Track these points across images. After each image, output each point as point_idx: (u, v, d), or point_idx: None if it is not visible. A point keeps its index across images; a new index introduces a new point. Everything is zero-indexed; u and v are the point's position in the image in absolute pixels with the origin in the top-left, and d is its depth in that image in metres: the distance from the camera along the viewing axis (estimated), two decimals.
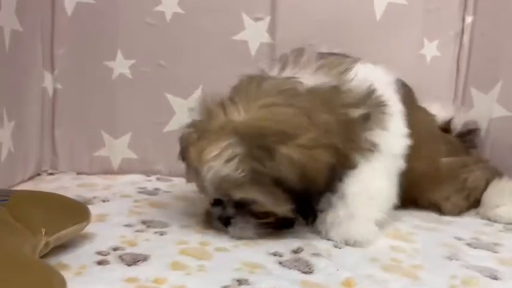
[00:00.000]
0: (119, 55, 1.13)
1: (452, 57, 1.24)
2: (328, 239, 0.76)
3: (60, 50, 1.10)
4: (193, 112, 0.77)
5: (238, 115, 0.70)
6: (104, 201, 0.90)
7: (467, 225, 0.91)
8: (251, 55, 1.17)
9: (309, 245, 0.73)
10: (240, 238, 0.74)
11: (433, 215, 0.95)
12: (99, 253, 0.65)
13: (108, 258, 0.64)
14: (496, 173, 1.05)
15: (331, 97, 0.75)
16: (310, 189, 0.70)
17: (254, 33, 1.18)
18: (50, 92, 1.11)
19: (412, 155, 0.83)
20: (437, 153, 0.99)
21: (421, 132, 0.90)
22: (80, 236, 0.69)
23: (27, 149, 1.04)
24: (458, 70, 1.25)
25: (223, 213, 0.75)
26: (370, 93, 0.79)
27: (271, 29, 1.17)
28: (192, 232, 0.76)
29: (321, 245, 0.74)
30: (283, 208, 0.72)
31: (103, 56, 1.12)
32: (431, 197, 0.97)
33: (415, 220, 0.91)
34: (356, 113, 0.76)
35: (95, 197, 0.92)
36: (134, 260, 0.63)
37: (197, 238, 0.74)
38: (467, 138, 1.13)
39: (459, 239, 0.81)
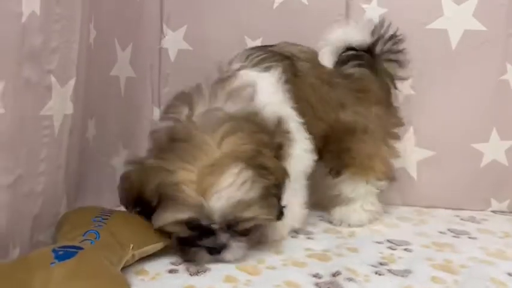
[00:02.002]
0: None
1: None
2: None
3: (165, 89, 1.32)
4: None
5: (222, 146, 0.78)
6: None
7: None
8: None
9: (349, 269, 0.80)
10: (235, 260, 0.80)
11: (498, 247, 0.93)
12: (173, 263, 0.81)
13: (178, 268, 0.79)
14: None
15: (255, 119, 0.84)
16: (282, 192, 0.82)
17: None
18: None
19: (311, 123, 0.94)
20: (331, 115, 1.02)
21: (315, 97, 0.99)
22: (162, 249, 0.86)
23: None
24: None
25: (218, 242, 0.79)
26: (279, 122, 0.87)
27: None
28: (253, 251, 0.86)
29: (361, 270, 0.80)
30: (272, 216, 0.81)
31: None
32: None
33: (475, 251, 0.91)
34: (275, 140, 0.85)
35: None
36: (197, 271, 0.77)
37: (256, 256, 0.85)
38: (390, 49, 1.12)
39: None
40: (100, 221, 0.76)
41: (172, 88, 1.31)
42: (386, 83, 1.12)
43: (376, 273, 0.80)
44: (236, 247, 0.80)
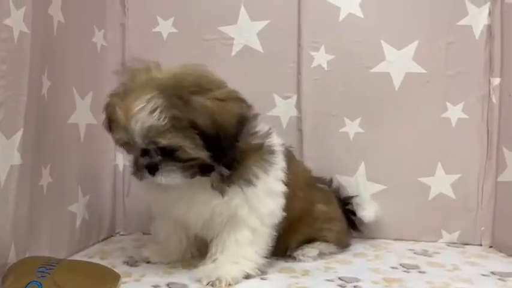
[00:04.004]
0: None
1: (481, 118, 1.21)
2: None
3: None
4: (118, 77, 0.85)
5: (161, 73, 0.79)
6: (147, 262, 1.00)
7: None
8: (283, 127, 1.26)
9: None
10: (167, 183, 0.81)
11: (444, 280, 0.92)
12: None
13: None
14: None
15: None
16: (221, 135, 0.79)
17: (284, 109, 1.27)
18: (121, 167, 1.29)
19: (289, 201, 0.93)
20: (311, 199, 1.06)
21: (299, 180, 1.01)
22: None
23: (101, 216, 1.23)
24: (488, 131, 1.20)
25: (150, 161, 0.81)
26: (267, 134, 0.91)
27: (298, 105, 1.26)
28: None
29: None
30: (202, 153, 0.80)
31: None
32: (297, 238, 1.03)
33: (422, 286, 0.89)
34: (255, 141, 0.88)
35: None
36: None
37: None
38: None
39: None
40: (44, 272, 0.72)
41: None
42: None
43: None
44: (166, 169, 0.80)
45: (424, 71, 1.21)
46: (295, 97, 1.27)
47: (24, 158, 0.82)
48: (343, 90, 1.24)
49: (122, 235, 1.29)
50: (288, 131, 1.26)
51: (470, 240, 1.21)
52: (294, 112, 1.27)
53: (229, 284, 0.88)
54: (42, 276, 0.71)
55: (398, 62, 1.21)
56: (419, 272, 0.98)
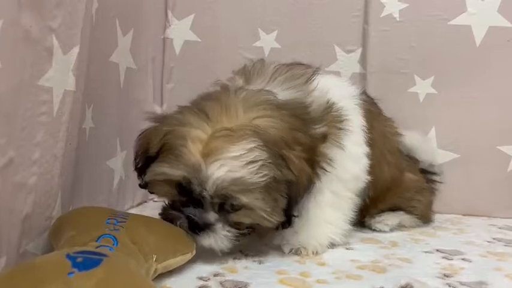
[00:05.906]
0: None
1: None
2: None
3: (168, 84, 1.14)
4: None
5: (251, 119, 0.65)
6: None
7: None
8: None
9: (417, 281, 0.63)
10: (213, 247, 0.66)
11: None
12: (201, 278, 0.62)
13: (209, 283, 0.60)
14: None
15: (301, 114, 0.71)
16: (294, 198, 0.67)
17: (346, 64, 1.14)
18: None
19: (376, 165, 0.82)
20: (401, 166, 0.94)
21: (389, 142, 0.90)
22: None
23: (136, 178, 1.06)
24: None
25: (203, 218, 0.64)
26: (329, 107, 0.75)
27: (363, 60, 1.13)
28: (291, 262, 0.71)
29: (431, 282, 0.64)
30: (275, 218, 0.66)
31: (206, 89, 1.13)
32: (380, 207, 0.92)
33: None
34: (318, 130, 0.72)
35: None
36: (235, 287, 0.59)
37: (297, 268, 0.68)
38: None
39: None
40: (115, 224, 0.57)
41: (177, 84, 1.14)
42: None
43: (449, 285, 0.63)
44: (221, 233, 0.65)
45: (510, 25, 1.08)
46: (359, 51, 1.13)
47: (77, 85, 0.65)
48: (415, 44, 1.11)
49: (155, 201, 1.12)
50: None
51: None
52: (357, 68, 1.14)
53: (317, 252, 0.74)
54: (115, 230, 0.55)
55: (482, 14, 1.08)
56: None
